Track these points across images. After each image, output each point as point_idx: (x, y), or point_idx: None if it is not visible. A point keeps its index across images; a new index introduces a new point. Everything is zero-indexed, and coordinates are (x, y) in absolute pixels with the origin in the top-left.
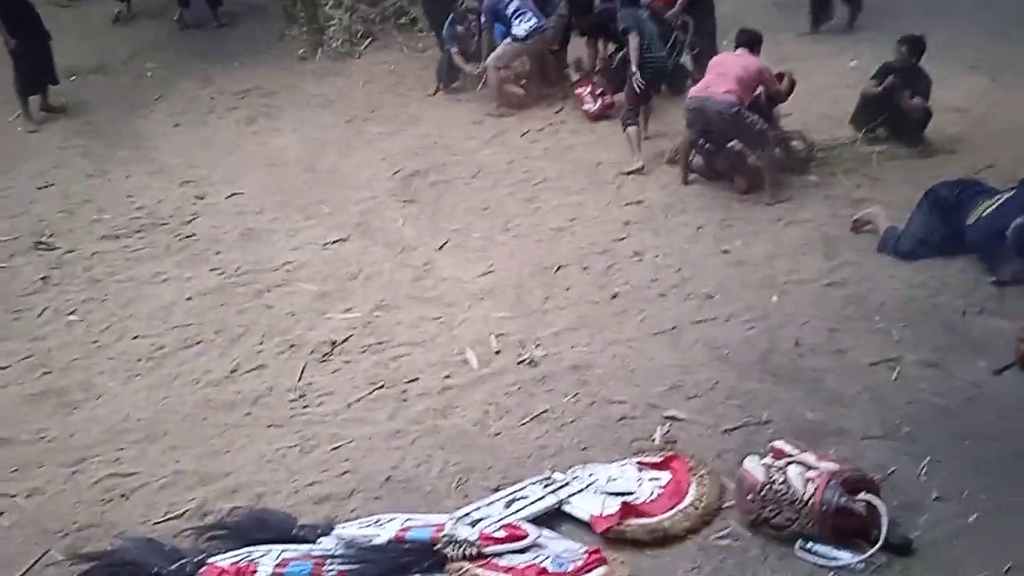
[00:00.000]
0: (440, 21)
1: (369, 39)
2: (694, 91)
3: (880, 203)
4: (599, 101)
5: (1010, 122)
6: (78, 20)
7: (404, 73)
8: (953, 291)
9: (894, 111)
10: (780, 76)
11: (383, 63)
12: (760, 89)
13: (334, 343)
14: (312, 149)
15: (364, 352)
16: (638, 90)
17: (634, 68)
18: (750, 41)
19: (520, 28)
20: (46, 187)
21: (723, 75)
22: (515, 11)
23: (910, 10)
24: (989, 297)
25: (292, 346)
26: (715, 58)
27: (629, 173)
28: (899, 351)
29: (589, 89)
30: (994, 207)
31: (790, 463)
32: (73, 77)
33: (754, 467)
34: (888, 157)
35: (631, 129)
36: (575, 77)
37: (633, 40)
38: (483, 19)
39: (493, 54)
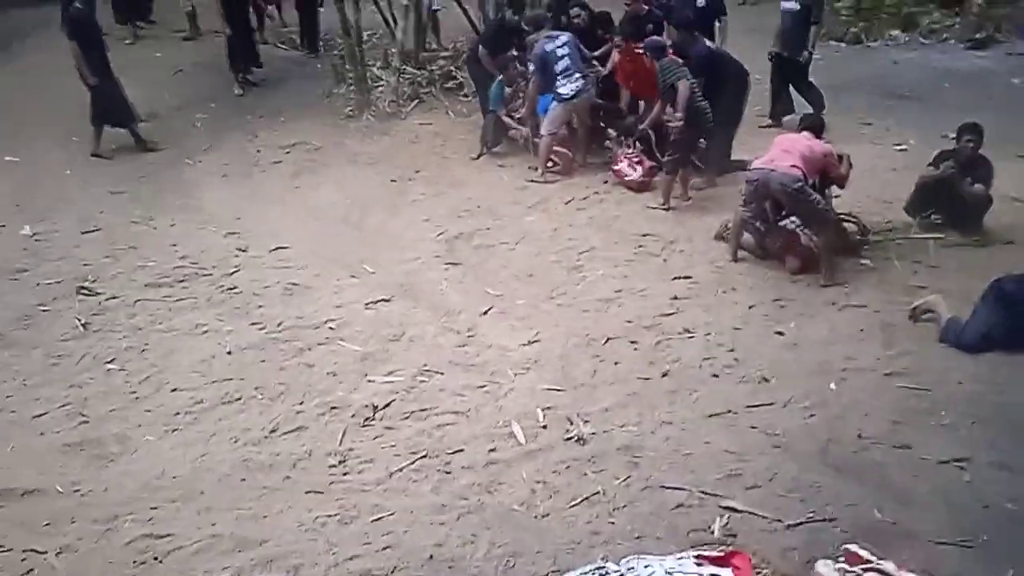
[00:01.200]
0: (485, 85)
1: (415, 101)
2: (757, 163)
3: (938, 291)
4: (638, 168)
5: None
6: (134, 67)
7: (449, 136)
8: (1021, 389)
9: (951, 198)
10: (839, 158)
11: (428, 125)
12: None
13: (376, 407)
14: (356, 207)
15: (407, 418)
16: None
17: (679, 113)
18: (814, 125)
19: (567, 88)
20: (92, 231)
21: (788, 151)
22: (564, 69)
23: (954, 99)
24: None
25: (333, 408)
26: (780, 136)
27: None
28: (969, 450)
29: (626, 162)
30: None
31: (867, 570)
32: None
33: (828, 572)
34: (944, 244)
35: (667, 178)
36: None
37: (683, 88)
38: (531, 66)
39: (546, 120)
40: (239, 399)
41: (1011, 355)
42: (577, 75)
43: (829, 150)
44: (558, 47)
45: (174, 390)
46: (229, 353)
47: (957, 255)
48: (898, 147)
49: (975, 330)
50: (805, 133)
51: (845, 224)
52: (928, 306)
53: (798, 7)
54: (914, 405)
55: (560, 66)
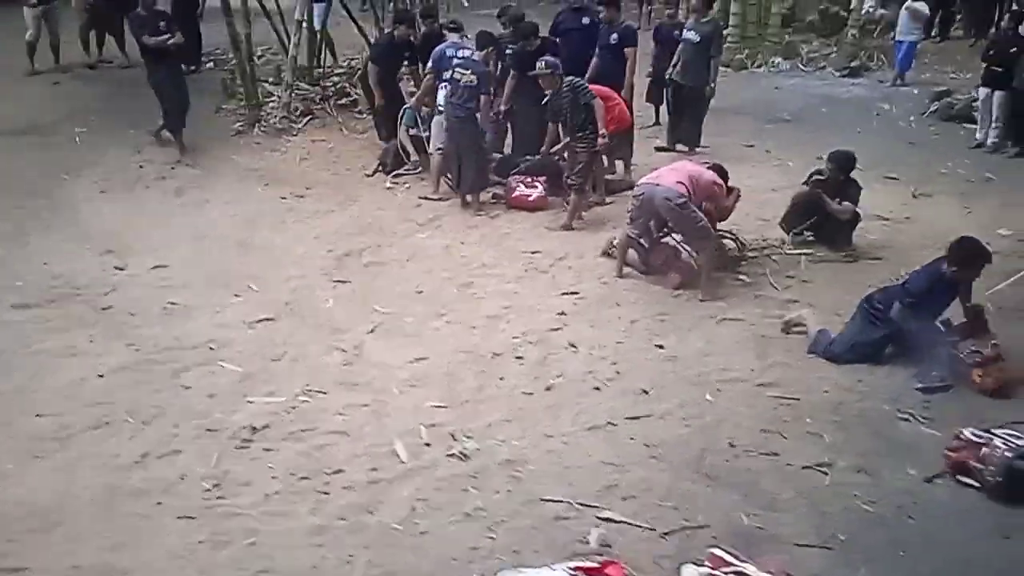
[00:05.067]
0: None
1: (308, 117)
2: (644, 180)
3: (809, 305)
4: (537, 186)
5: (930, 229)
6: (5, 79)
7: (342, 152)
8: (881, 396)
9: (822, 215)
10: (729, 191)
11: (321, 141)
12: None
13: (254, 429)
14: (243, 224)
15: (286, 440)
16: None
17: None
18: (719, 168)
19: (441, 98)
20: None
21: (676, 170)
22: (446, 80)
23: (830, 123)
24: (916, 403)
25: (209, 430)
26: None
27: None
28: (831, 455)
29: (521, 186)
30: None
31: (729, 573)
32: None
33: None
34: (816, 260)
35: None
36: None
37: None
38: (430, 63)
39: (432, 137)
40: (109, 424)
41: (872, 364)
42: (455, 88)
43: (718, 181)
44: (456, 56)
45: (39, 416)
46: (101, 376)
47: (828, 270)
48: (776, 166)
49: (843, 341)
50: (708, 169)
51: (724, 241)
52: (798, 319)
53: (698, 38)
54: (783, 413)
55: (446, 75)
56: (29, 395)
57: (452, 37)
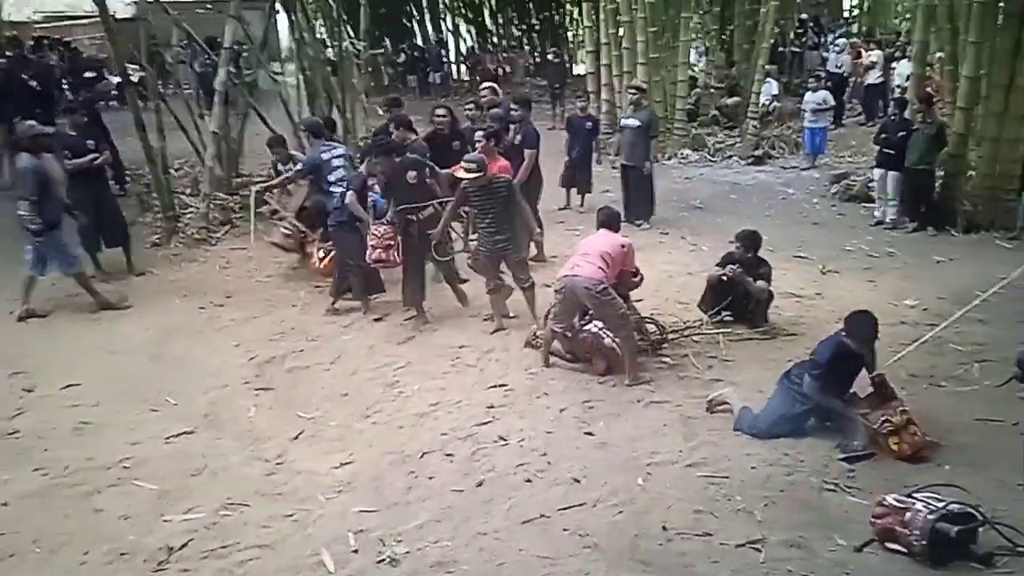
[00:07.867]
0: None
1: (227, 226)
2: (562, 272)
3: (731, 383)
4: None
5: (839, 304)
6: None
7: (263, 259)
8: (807, 468)
9: (737, 295)
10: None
11: (241, 249)
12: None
13: (171, 549)
14: (160, 337)
15: (206, 558)
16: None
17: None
18: (609, 219)
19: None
20: None
21: (587, 255)
22: (338, 179)
23: (740, 208)
24: (840, 474)
25: (122, 555)
26: (581, 241)
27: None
28: (763, 531)
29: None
30: None
31: None
32: None
33: None
34: (735, 339)
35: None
36: None
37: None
38: (306, 171)
39: None
40: (12, 556)
41: (796, 438)
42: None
43: (625, 240)
44: (333, 158)
45: None
46: (4, 504)
47: (747, 348)
48: (691, 251)
49: (767, 417)
50: (602, 230)
51: (645, 324)
52: (722, 398)
53: (637, 123)
54: (713, 493)
55: (333, 176)
56: None
57: (317, 142)
